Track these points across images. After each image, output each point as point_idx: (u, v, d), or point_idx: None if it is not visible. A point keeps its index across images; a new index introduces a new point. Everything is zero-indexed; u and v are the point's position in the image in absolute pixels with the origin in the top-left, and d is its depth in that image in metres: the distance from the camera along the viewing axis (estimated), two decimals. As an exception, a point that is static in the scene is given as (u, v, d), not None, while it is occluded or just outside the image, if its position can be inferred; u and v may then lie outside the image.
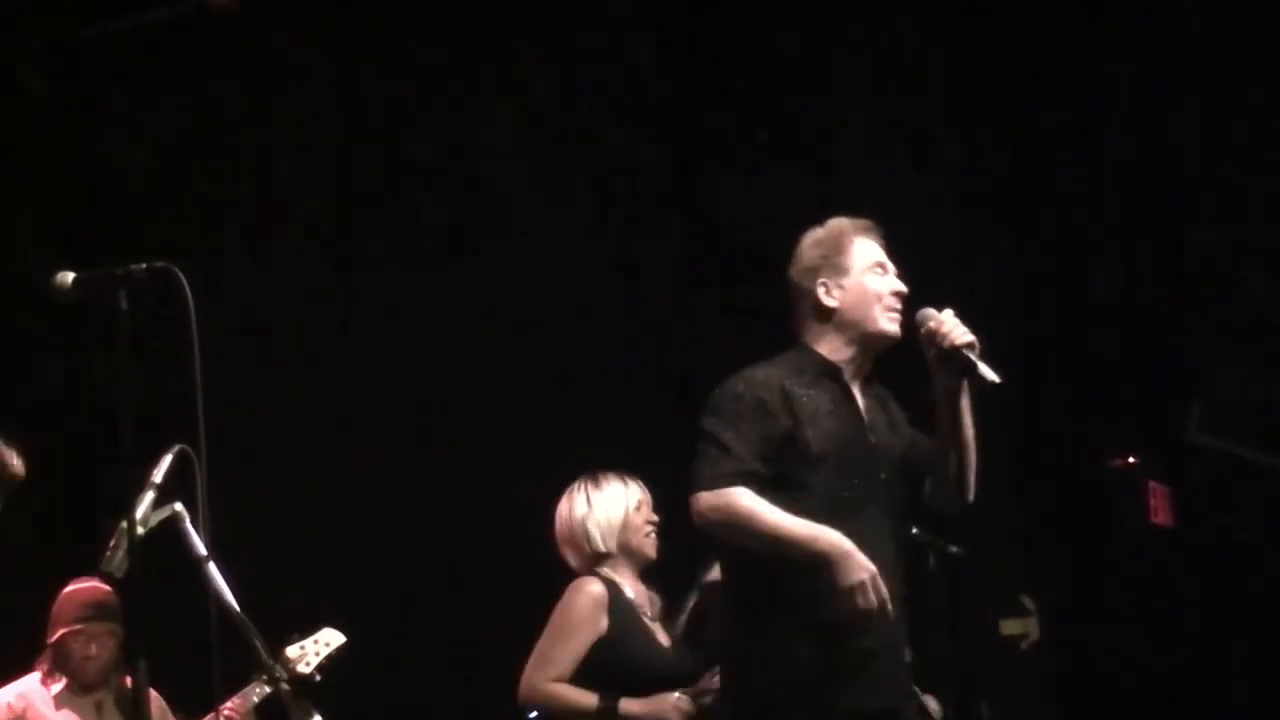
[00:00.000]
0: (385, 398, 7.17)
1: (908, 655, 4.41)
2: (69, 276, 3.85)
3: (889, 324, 4.29)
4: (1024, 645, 6.69)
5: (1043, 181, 6.97)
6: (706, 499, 4.17)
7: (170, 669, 4.26)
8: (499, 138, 7.22)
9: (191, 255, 3.97)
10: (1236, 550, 6.67)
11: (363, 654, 4.76)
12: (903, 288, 4.32)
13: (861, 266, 4.32)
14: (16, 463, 4.18)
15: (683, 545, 4.98)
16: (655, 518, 5.05)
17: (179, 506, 3.79)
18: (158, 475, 3.79)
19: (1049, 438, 6.76)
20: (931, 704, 5.16)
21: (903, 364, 4.36)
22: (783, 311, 4.43)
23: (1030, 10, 6.96)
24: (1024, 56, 6.95)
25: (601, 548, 4.99)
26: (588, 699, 4.82)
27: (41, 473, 4.37)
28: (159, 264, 3.79)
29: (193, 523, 3.78)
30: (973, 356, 4.18)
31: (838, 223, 4.41)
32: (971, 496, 4.35)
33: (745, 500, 4.13)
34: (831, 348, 4.32)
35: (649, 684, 4.85)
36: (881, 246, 4.38)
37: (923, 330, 4.23)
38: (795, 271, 4.39)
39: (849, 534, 4.13)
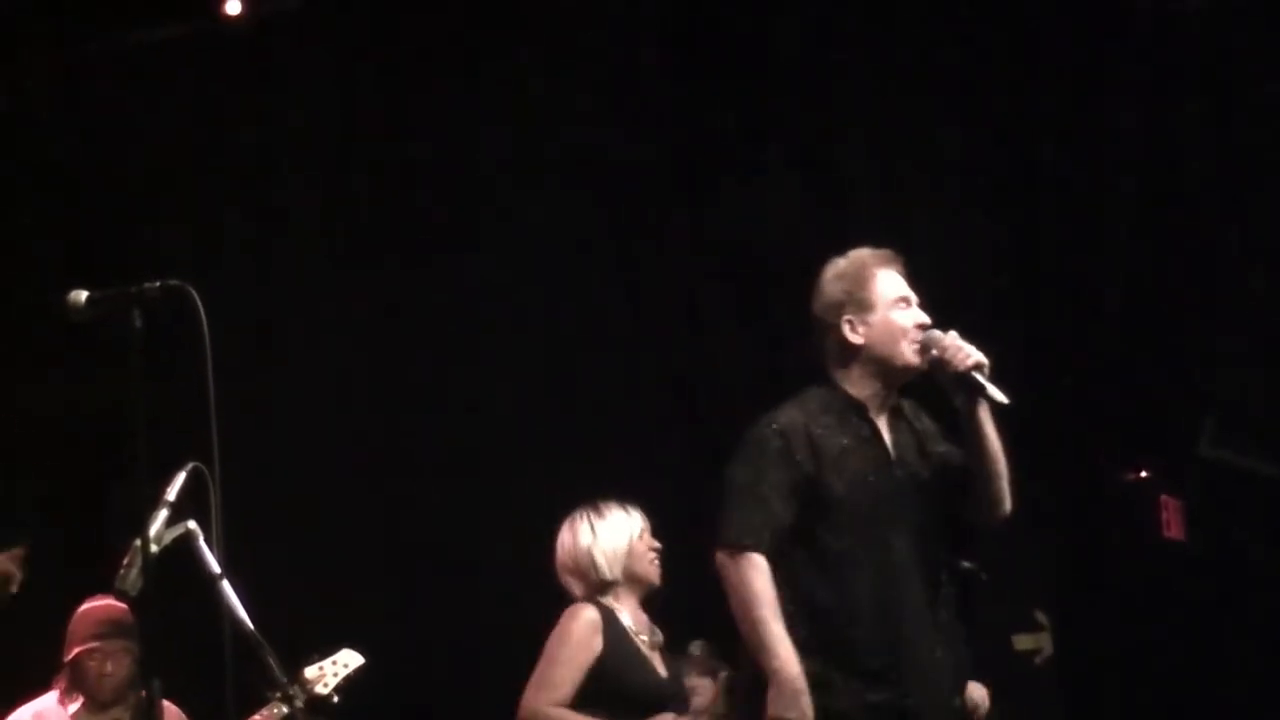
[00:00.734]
0: (398, 410, 7.19)
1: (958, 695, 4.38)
2: (82, 295, 3.85)
3: (915, 357, 4.25)
4: (1037, 660, 6.67)
5: (1052, 190, 6.96)
6: (727, 558, 4.16)
7: (184, 687, 4.26)
8: (500, 138, 7.23)
9: (194, 265, 3.98)
10: (1249, 564, 6.65)
11: (377, 669, 4.75)
12: (926, 320, 4.30)
13: (886, 301, 4.28)
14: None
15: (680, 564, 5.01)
16: (657, 544, 5.06)
17: (192, 525, 3.79)
18: (171, 493, 3.80)
19: (1061, 453, 6.75)
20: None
21: (925, 376, 4.34)
22: (784, 312, 4.41)
23: (1036, 12, 6.95)
24: (1033, 61, 6.93)
25: (608, 576, 4.99)
26: None
27: (56, 490, 4.38)
28: (172, 282, 3.79)
29: (206, 541, 3.79)
30: (981, 378, 4.16)
31: (859, 255, 4.36)
32: (1008, 508, 4.32)
33: (754, 576, 4.12)
34: (857, 383, 4.29)
35: (644, 709, 4.87)
36: (903, 275, 4.35)
37: (929, 356, 4.22)
38: (818, 307, 4.35)
39: (878, 579, 4.14)
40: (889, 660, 4.13)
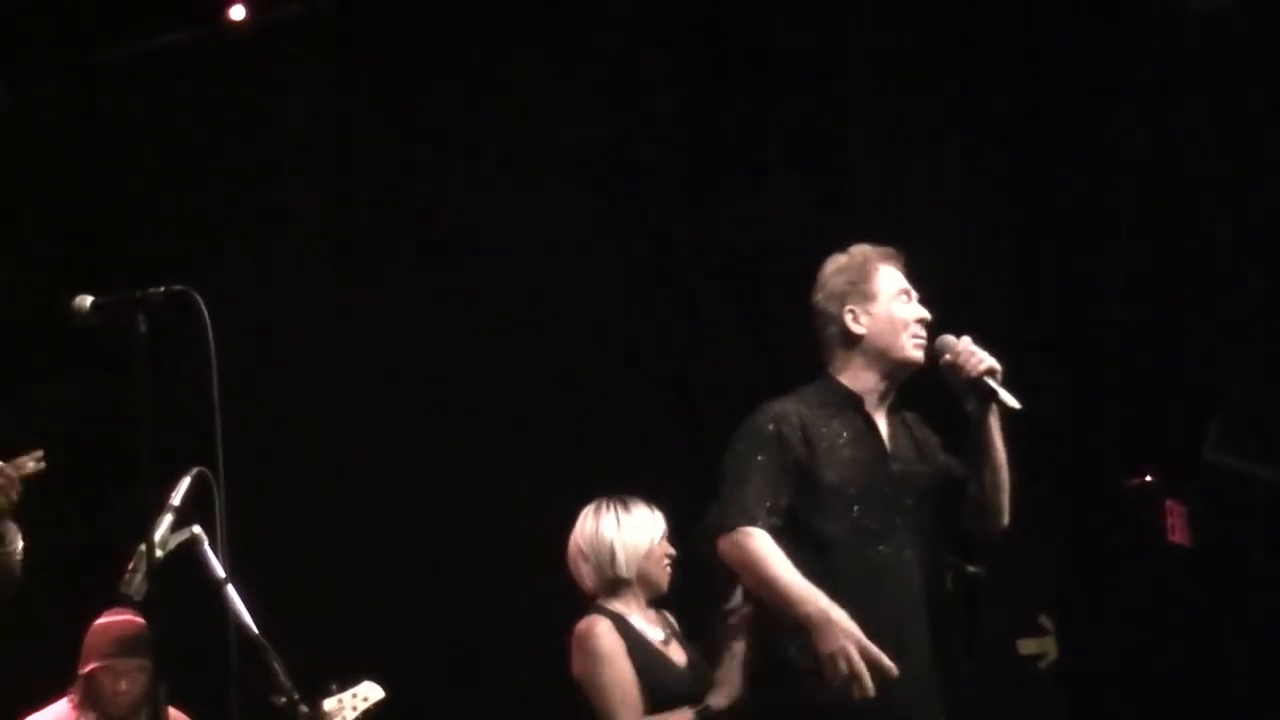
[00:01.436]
0: (398, 410, 7.18)
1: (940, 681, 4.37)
2: (87, 300, 3.86)
3: (914, 351, 4.29)
4: (1042, 665, 6.66)
5: (1054, 193, 6.95)
6: (727, 543, 4.17)
7: (190, 692, 4.26)
8: (500, 138, 7.23)
9: (194, 270, 3.98)
10: (1254, 569, 6.64)
11: (379, 668, 4.75)
12: (927, 315, 4.31)
13: (888, 293, 4.31)
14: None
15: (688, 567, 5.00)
16: (672, 551, 5.05)
17: (197, 529, 3.80)
18: (176, 498, 3.80)
19: (1065, 457, 6.73)
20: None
21: (932, 385, 4.35)
22: (785, 313, 4.42)
23: (1038, 13, 6.94)
24: (1036, 62, 6.92)
25: (624, 573, 4.97)
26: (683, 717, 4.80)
27: (61, 494, 4.36)
28: (177, 287, 3.80)
29: (211, 546, 3.78)
30: (993, 384, 4.18)
31: (861, 249, 4.40)
32: (1007, 520, 4.33)
33: (757, 544, 4.12)
34: (855, 376, 4.31)
35: (667, 704, 4.85)
36: (904, 274, 4.37)
37: (942, 362, 4.23)
38: (820, 298, 4.38)
39: (869, 566, 4.14)
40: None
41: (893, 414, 4.36)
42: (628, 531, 4.99)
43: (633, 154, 7.17)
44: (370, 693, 4.77)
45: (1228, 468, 6.66)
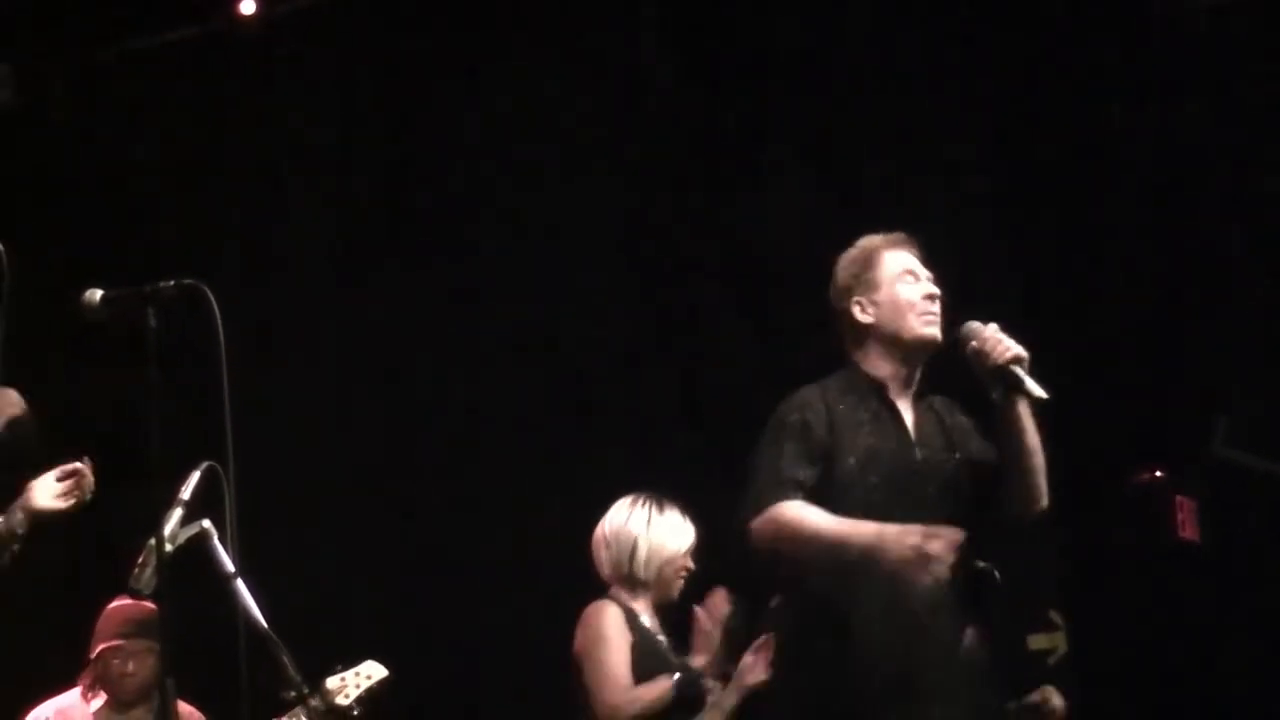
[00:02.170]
0: (398, 411, 7.18)
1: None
2: (97, 294, 3.86)
3: (926, 328, 4.27)
4: (1052, 660, 6.64)
5: (1064, 189, 6.94)
6: (756, 520, 4.14)
7: (199, 686, 4.24)
8: (501, 138, 7.22)
9: (194, 269, 3.97)
10: (1264, 565, 6.63)
11: (393, 670, 4.74)
12: (935, 290, 4.30)
13: (891, 276, 4.31)
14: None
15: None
16: (692, 565, 5.05)
17: (206, 524, 3.79)
18: (185, 492, 3.79)
19: (1075, 453, 6.72)
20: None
21: (961, 368, 4.32)
22: (788, 312, 4.42)
23: (1040, 13, 6.94)
24: (1038, 61, 6.91)
25: (641, 572, 4.97)
26: (662, 686, 4.81)
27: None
28: (187, 281, 3.79)
29: (220, 540, 3.78)
30: (1020, 372, 4.13)
31: (868, 240, 4.41)
32: (1045, 504, 4.31)
33: (791, 510, 4.10)
34: (875, 364, 4.31)
35: None
36: (916, 256, 4.35)
37: (968, 349, 4.20)
38: (832, 295, 4.40)
39: None
40: (894, 640, 4.10)
41: (919, 400, 4.33)
42: (656, 532, 4.99)
43: (634, 153, 7.17)
44: (373, 671, 4.77)
45: (1236, 463, 6.64)
